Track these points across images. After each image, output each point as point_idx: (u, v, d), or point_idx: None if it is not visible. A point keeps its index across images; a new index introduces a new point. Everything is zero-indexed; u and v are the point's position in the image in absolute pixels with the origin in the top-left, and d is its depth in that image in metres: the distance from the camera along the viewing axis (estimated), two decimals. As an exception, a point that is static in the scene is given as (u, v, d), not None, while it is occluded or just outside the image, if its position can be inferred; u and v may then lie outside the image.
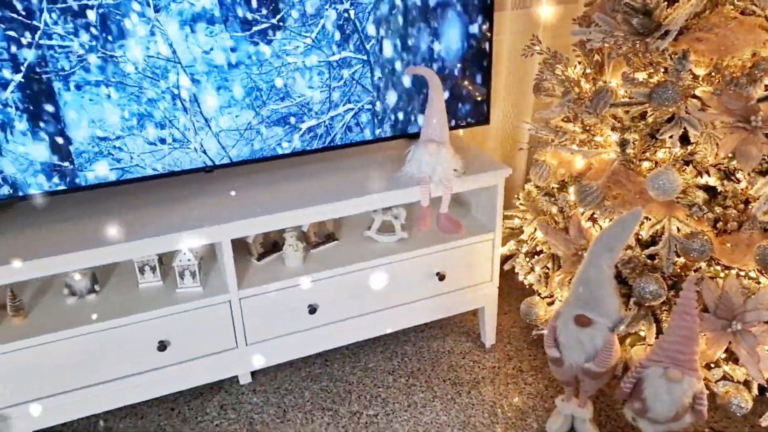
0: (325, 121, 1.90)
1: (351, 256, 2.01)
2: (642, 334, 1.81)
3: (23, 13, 1.49)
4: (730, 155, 1.63)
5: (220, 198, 1.89)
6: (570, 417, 1.97)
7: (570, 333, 1.79)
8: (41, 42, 1.53)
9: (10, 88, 1.55)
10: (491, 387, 2.16)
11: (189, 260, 1.82)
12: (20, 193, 1.68)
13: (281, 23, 1.72)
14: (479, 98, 2.12)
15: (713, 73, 1.66)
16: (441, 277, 2.09)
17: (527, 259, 2.12)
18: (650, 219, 1.77)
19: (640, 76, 1.76)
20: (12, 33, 1.50)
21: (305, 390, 2.15)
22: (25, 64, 1.54)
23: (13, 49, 1.51)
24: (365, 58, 1.85)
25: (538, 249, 2.13)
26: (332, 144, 1.95)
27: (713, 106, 1.63)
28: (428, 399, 2.11)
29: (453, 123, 2.10)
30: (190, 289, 1.85)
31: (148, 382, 1.85)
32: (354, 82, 1.87)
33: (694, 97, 1.68)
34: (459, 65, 2.03)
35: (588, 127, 1.90)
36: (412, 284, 2.08)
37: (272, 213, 1.79)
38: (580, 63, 1.96)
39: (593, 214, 1.92)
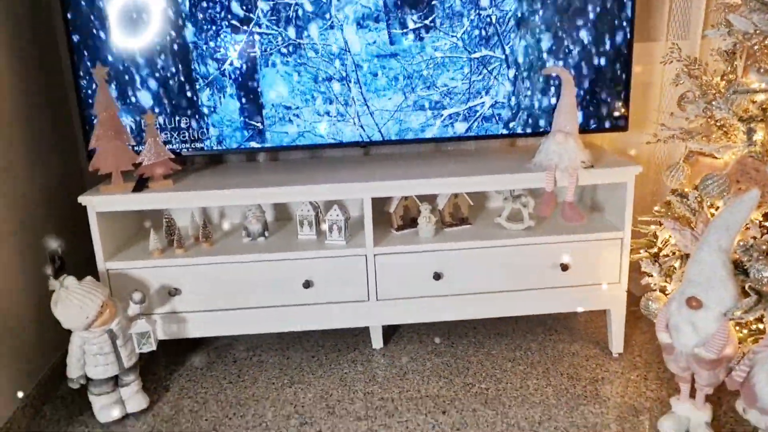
0: (464, 111, 2.19)
1: (479, 236, 2.22)
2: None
3: (244, 8, 2.05)
4: None
5: (369, 168, 2.26)
6: (686, 420, 1.89)
7: (682, 316, 1.77)
8: (253, 29, 2.07)
9: (228, 62, 2.09)
10: (609, 386, 2.14)
11: (338, 216, 2.18)
12: (223, 147, 2.20)
13: (432, 24, 2.09)
14: (617, 104, 2.25)
15: None
16: (564, 267, 2.19)
17: (655, 259, 2.12)
18: (778, 209, 1.74)
19: (770, 67, 1.78)
20: (235, 22, 2.06)
21: (427, 361, 2.34)
22: (239, 46, 2.08)
23: (234, 34, 2.07)
24: (503, 57, 2.12)
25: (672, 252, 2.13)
26: (469, 132, 2.22)
27: None
28: (541, 385, 2.16)
29: (589, 125, 2.25)
30: (336, 241, 2.20)
31: (292, 315, 2.20)
32: (492, 77, 2.15)
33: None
34: (597, 71, 2.20)
35: (720, 123, 1.93)
36: (536, 271, 2.20)
37: (409, 179, 2.09)
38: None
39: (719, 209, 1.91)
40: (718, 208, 1.91)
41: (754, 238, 1.77)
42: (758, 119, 1.79)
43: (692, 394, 1.87)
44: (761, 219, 1.81)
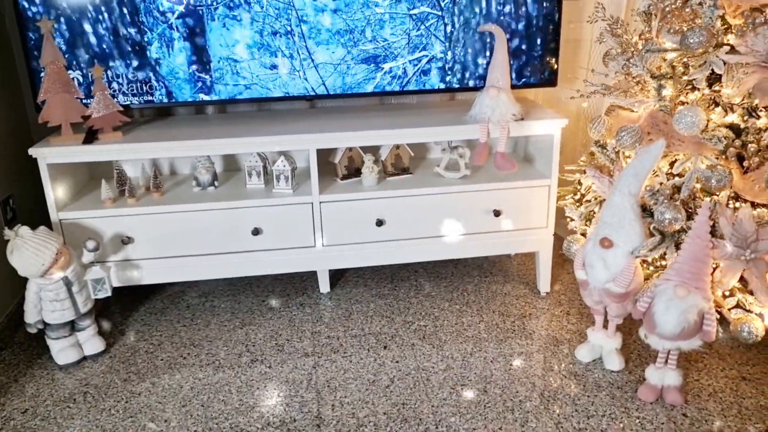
0: (403, 65, 2.30)
1: (418, 185, 2.36)
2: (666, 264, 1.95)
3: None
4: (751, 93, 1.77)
5: (314, 121, 2.36)
6: (599, 347, 2.12)
7: (596, 254, 1.97)
8: (198, -16, 2.12)
9: (175, 15, 2.14)
10: (535, 321, 2.36)
11: (284, 166, 2.29)
12: (173, 100, 2.26)
13: (374, -20, 2.18)
14: (546, 61, 2.40)
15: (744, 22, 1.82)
16: (497, 213, 2.36)
17: (578, 205, 2.32)
18: (683, 157, 1.93)
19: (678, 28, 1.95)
20: (179, -24, 2.11)
21: (371, 302, 2.51)
22: (185, -1, 2.13)
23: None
24: (440, 13, 2.23)
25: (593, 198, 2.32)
26: (409, 87, 2.34)
27: (741, 49, 1.79)
28: (475, 322, 2.36)
29: (520, 81, 2.40)
30: (283, 190, 2.31)
31: (242, 262, 2.32)
32: (430, 33, 2.26)
33: (726, 44, 1.85)
34: (528, 29, 2.33)
35: (637, 80, 2.10)
36: (472, 217, 2.37)
37: (353, 131, 2.21)
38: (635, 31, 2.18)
39: (634, 158, 2.10)
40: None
41: (661, 184, 1.97)
42: (668, 76, 1.97)
43: (605, 325, 2.09)
44: (667, 167, 2.00)
